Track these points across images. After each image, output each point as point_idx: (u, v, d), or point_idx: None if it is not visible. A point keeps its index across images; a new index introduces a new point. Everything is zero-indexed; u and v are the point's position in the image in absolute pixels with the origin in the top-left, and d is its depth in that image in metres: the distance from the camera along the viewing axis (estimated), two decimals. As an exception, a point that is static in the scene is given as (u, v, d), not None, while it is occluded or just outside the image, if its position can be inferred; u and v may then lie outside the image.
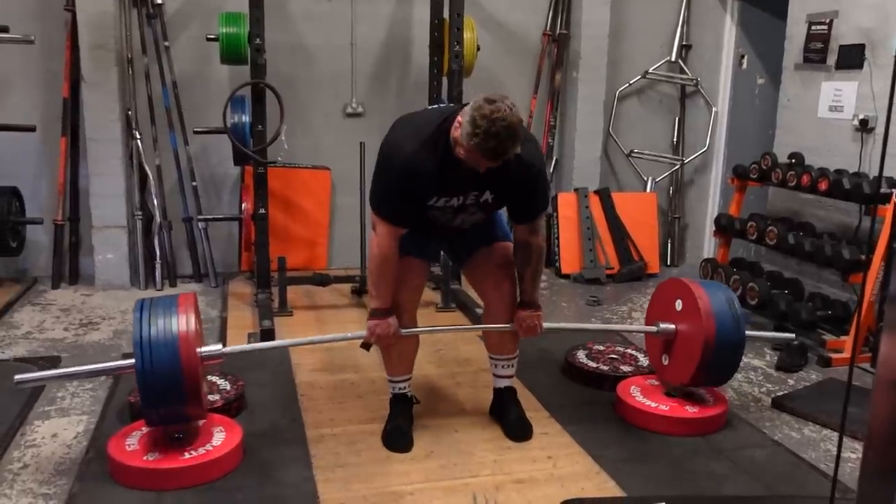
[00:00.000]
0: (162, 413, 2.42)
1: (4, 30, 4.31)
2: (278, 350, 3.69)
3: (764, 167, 4.47)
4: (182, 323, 2.41)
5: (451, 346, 3.74)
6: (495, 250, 2.81)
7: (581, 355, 3.53)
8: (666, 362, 3.01)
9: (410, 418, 2.86)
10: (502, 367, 2.93)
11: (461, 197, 2.56)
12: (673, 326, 2.92)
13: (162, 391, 2.36)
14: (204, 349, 2.47)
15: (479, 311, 3.55)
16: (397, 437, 2.76)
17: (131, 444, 2.53)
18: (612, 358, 3.50)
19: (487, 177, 2.47)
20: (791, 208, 4.69)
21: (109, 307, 4.38)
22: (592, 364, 3.38)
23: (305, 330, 4.02)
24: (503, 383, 2.94)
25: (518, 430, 2.84)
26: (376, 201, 2.59)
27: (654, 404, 2.95)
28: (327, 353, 3.66)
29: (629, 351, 3.63)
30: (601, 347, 3.64)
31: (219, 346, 2.53)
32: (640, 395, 3.03)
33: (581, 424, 2.93)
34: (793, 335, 3.37)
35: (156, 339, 2.36)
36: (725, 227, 4.67)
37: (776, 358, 3.75)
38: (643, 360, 3.44)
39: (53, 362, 3.49)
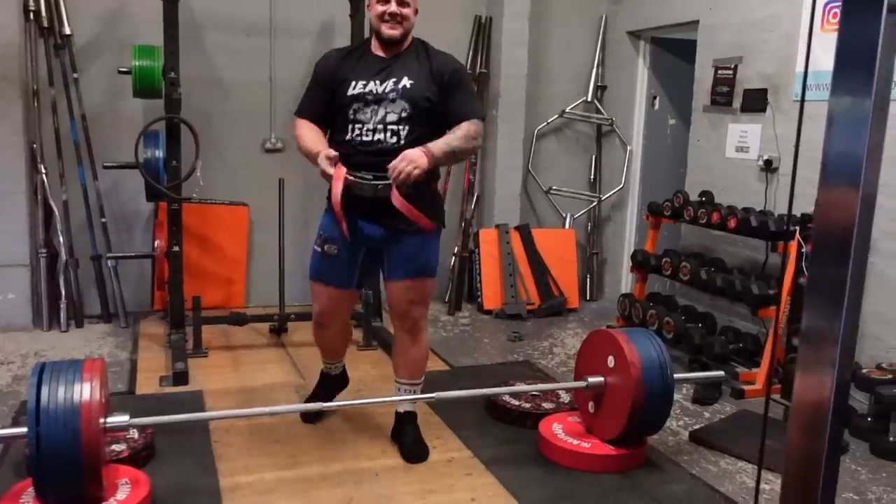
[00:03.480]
0: (55, 492, 2.23)
1: None
2: (191, 393, 3.56)
3: (676, 205, 4.61)
4: (86, 391, 2.23)
5: (372, 388, 3.67)
6: (416, 288, 2.85)
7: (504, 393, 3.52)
8: (592, 410, 3.02)
9: (330, 393, 3.21)
10: (406, 391, 3.00)
11: (377, 82, 2.71)
12: (602, 380, 2.94)
13: (58, 468, 2.18)
14: (109, 420, 2.33)
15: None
16: (310, 401, 3.15)
17: (26, 502, 2.35)
18: (534, 395, 3.50)
19: (399, 65, 2.74)
20: (703, 244, 4.85)
21: (9, 351, 4.13)
22: (515, 402, 3.36)
23: (221, 372, 3.88)
24: (404, 408, 3.03)
25: (413, 451, 2.93)
26: (297, 107, 2.89)
27: (575, 442, 2.96)
28: (244, 395, 3.54)
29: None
30: (524, 385, 3.64)
31: (125, 417, 2.38)
32: (562, 433, 3.03)
33: (504, 464, 2.90)
34: (721, 373, 3.38)
35: (53, 409, 2.19)
36: (641, 263, 4.79)
37: (692, 390, 3.83)
38: (565, 397, 3.45)
39: (-57, 413, 3.25)
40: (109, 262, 4.67)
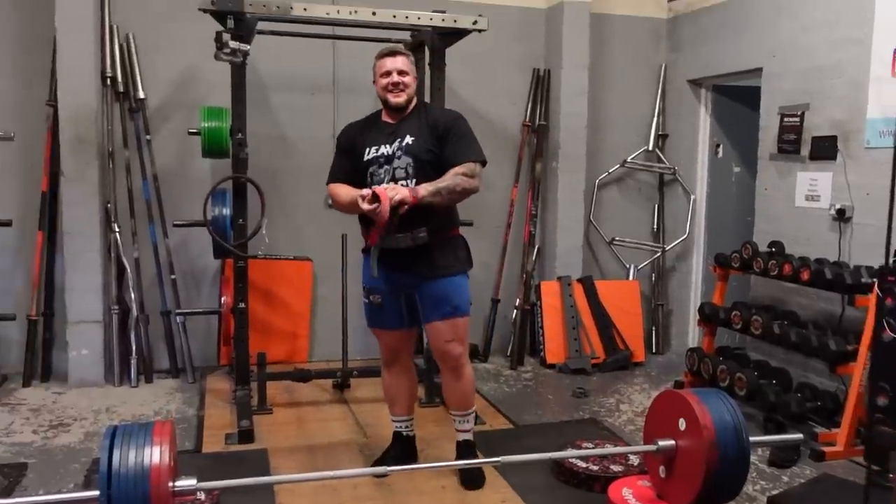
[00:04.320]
0: None
1: (-15, 126, 4.31)
2: (256, 451, 3.57)
3: (745, 256, 4.49)
4: (156, 455, 2.27)
5: (436, 447, 3.63)
6: (450, 328, 3.11)
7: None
8: (664, 475, 2.91)
9: (396, 454, 3.31)
10: (460, 421, 3.28)
11: (388, 145, 3.04)
12: (673, 443, 2.84)
13: None
14: (178, 484, 2.35)
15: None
16: (376, 464, 3.23)
17: (99, 565, 2.37)
18: (602, 456, 3.40)
19: (404, 127, 3.08)
20: (774, 296, 4.69)
21: (82, 406, 4.23)
22: (582, 464, 3.27)
23: (285, 430, 3.90)
24: (461, 437, 3.29)
25: (470, 478, 3.18)
26: (328, 177, 3.21)
27: (647, 508, 2.85)
28: (308, 455, 3.53)
29: (619, 448, 3.53)
30: (591, 445, 3.55)
31: (193, 481, 2.40)
32: (633, 499, 2.92)
33: (573, 532, 2.81)
34: (800, 435, 3.24)
35: (124, 472, 2.23)
36: (710, 317, 4.65)
37: (768, 452, 3.67)
38: (634, 459, 3.34)
39: (19, 470, 3.32)
40: (178, 317, 4.78)
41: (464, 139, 3.07)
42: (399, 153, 3.05)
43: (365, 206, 2.83)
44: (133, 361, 4.65)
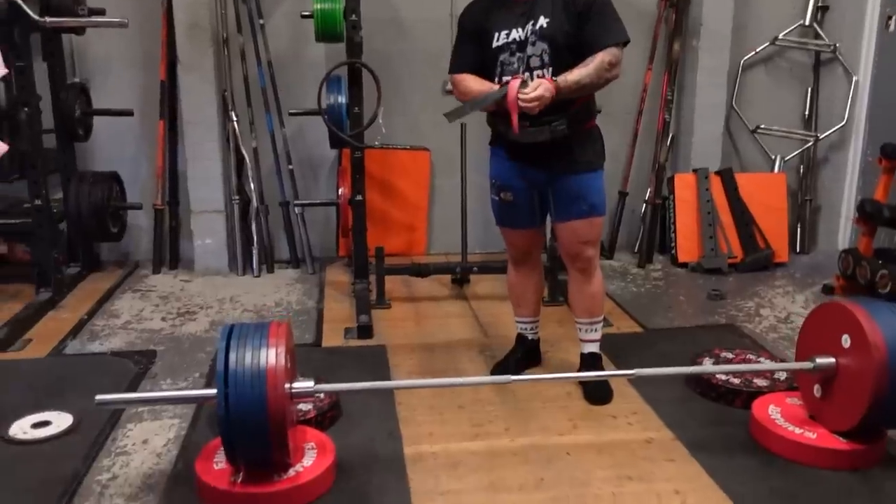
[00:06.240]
0: (243, 455, 2.24)
1: (100, 12, 4.23)
2: (374, 348, 3.51)
3: (921, 147, 3.91)
4: (271, 357, 2.20)
5: (560, 349, 3.44)
6: (585, 229, 2.87)
7: (707, 363, 3.17)
8: (819, 395, 2.60)
9: (521, 358, 3.18)
10: (586, 330, 3.04)
11: (519, 28, 2.68)
12: (833, 361, 2.51)
13: (245, 431, 2.17)
14: (295, 386, 2.27)
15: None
16: (499, 367, 3.14)
17: (219, 462, 2.37)
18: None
19: (537, 6, 2.68)
20: (950, 193, 4.11)
21: (207, 295, 4.30)
22: (722, 376, 2.99)
23: (404, 326, 3.81)
24: (588, 348, 3.06)
25: (596, 393, 2.95)
26: (450, 66, 2.88)
27: (798, 430, 2.57)
28: (427, 354, 3.44)
29: (763, 360, 3.23)
30: (730, 355, 3.26)
31: (310, 383, 2.32)
32: (781, 419, 2.64)
33: (711, 451, 2.58)
34: None
35: (241, 372, 2.17)
36: (871, 215, 4.13)
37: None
38: (781, 373, 3.03)
39: (149, 357, 3.40)
40: (296, 209, 4.73)
41: (606, 18, 2.67)
42: (533, 38, 2.67)
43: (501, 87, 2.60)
44: (254, 251, 4.67)
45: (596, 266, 2.99)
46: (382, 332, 3.70)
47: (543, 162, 2.79)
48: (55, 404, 2.85)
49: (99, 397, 2.29)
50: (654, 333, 3.76)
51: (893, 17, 4.95)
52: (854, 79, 5.04)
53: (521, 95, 2.54)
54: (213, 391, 2.24)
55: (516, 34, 2.71)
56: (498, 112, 2.72)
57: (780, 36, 5.06)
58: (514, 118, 2.59)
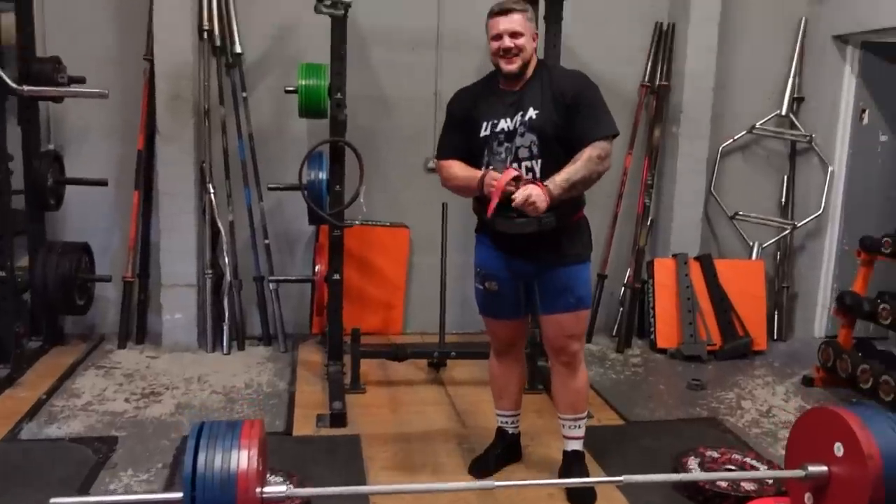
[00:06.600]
0: None
1: (80, 81, 4.18)
2: (348, 438, 3.37)
3: (900, 242, 3.94)
4: (243, 460, 2.06)
5: (541, 443, 3.33)
6: (572, 322, 2.81)
7: (693, 464, 3.08)
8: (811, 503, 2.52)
9: (501, 454, 3.07)
10: (570, 427, 2.94)
11: (508, 119, 2.66)
12: (825, 469, 2.44)
13: None
14: (266, 491, 2.13)
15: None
16: (478, 463, 3.06)
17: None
18: (730, 469, 3.03)
19: (526, 96, 2.67)
20: (928, 288, 4.13)
21: (174, 373, 4.14)
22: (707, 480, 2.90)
23: (379, 413, 3.68)
24: (571, 445, 2.96)
25: (579, 496, 2.82)
26: (437, 151, 2.89)
27: (789, 542, 2.48)
28: (403, 446, 3.30)
29: (749, 460, 3.15)
30: (715, 454, 3.18)
31: (283, 488, 2.18)
32: (772, 529, 2.55)
33: (701, 564, 2.47)
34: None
35: (210, 476, 2.03)
36: (851, 307, 4.13)
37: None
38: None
39: (109, 444, 3.23)
40: (271, 284, 4.62)
41: (596, 110, 2.66)
42: (522, 129, 2.66)
43: (492, 175, 2.60)
44: (225, 327, 4.53)
45: (581, 360, 2.91)
46: (356, 419, 3.56)
47: (530, 253, 2.73)
48: (6, 501, 2.67)
49: (54, 501, 2.13)
50: (636, 427, 3.67)
51: (867, 111, 5.08)
52: (829, 169, 5.12)
53: (519, 196, 2.51)
54: (179, 495, 2.09)
55: (505, 124, 2.68)
56: (482, 198, 2.67)
57: (758, 125, 5.15)
58: (494, 203, 2.55)
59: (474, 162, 2.76)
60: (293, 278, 4.66)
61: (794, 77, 5.18)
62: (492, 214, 2.60)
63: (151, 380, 4.04)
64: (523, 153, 2.66)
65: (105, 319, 4.72)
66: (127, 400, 3.76)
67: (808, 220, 5.17)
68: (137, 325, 4.62)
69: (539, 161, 2.65)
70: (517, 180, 2.56)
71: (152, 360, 4.33)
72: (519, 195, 2.51)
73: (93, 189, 4.40)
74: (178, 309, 4.52)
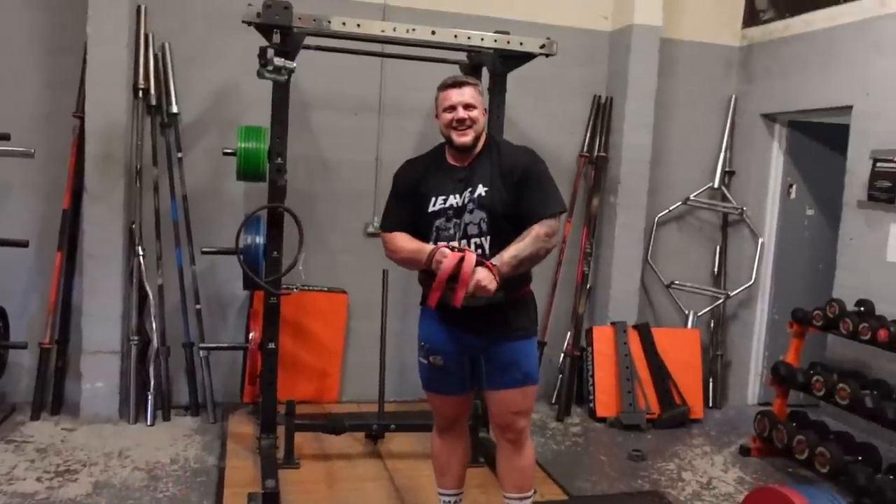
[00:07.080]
0: None
1: (5, 138, 3.98)
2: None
3: (830, 315, 4.04)
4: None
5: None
6: (519, 398, 2.73)
7: (639, 544, 3.01)
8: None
9: None
10: None
11: (457, 195, 2.64)
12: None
13: None
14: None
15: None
16: None
17: None
18: (676, 549, 2.97)
19: (475, 173, 2.66)
20: (858, 359, 4.23)
21: (92, 448, 3.87)
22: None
23: (314, 490, 3.51)
24: None
25: None
26: (382, 221, 2.84)
27: None
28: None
29: (694, 538, 3.11)
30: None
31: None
32: None
33: None
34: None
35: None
36: (785, 378, 4.20)
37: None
38: (713, 555, 2.90)
39: (17, 531, 2.96)
40: (202, 352, 4.41)
41: (543, 187, 2.66)
42: (471, 206, 2.64)
43: (446, 253, 2.51)
44: (150, 397, 4.29)
45: (527, 437, 2.84)
46: (290, 497, 3.38)
47: (477, 327, 2.68)
48: None
49: None
50: (580, 501, 3.59)
51: (794, 185, 5.27)
52: (760, 240, 5.27)
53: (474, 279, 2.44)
54: None
55: (454, 200, 2.65)
56: (430, 271, 2.60)
57: (692, 196, 5.29)
58: (462, 293, 2.46)
59: (420, 234, 2.71)
60: (225, 345, 4.47)
61: (725, 151, 5.37)
62: (437, 287, 2.53)
63: (67, 455, 3.76)
64: (472, 230, 2.63)
65: (18, 388, 4.40)
66: (39, 479, 3.47)
67: (740, 289, 5.28)
68: (54, 394, 4.33)
69: (488, 237, 2.62)
70: (460, 261, 2.49)
71: (69, 433, 4.05)
72: (470, 287, 2.45)
73: (11, 249, 4.15)
74: (99, 377, 4.25)
